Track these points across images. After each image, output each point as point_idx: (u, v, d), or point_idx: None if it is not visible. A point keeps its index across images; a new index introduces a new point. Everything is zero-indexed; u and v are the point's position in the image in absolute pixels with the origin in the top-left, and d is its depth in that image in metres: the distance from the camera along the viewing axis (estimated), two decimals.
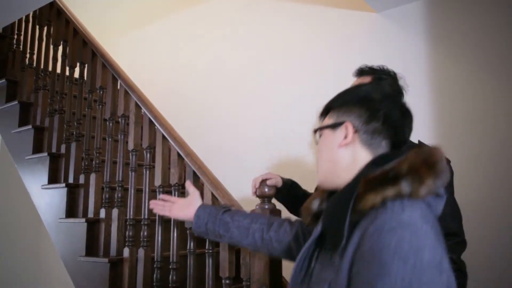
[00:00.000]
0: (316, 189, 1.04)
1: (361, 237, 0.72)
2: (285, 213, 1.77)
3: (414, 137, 1.54)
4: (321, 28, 2.73)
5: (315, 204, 0.98)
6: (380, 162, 0.82)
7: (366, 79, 1.55)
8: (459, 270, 1.39)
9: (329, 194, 0.95)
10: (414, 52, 2.30)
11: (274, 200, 1.72)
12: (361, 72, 1.61)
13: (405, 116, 0.89)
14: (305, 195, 1.77)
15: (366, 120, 0.87)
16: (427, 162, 0.76)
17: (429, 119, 2.24)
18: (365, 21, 2.52)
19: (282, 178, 1.75)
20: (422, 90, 2.27)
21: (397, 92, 0.92)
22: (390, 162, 0.80)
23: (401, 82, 1.56)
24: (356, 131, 0.87)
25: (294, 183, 1.80)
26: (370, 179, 0.77)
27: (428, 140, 1.54)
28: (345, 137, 0.87)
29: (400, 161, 0.78)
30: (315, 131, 0.95)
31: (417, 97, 2.26)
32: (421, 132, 1.57)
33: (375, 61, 1.57)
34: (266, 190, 1.64)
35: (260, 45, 3.02)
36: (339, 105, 0.91)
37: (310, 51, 2.75)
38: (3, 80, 3.01)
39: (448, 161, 1.50)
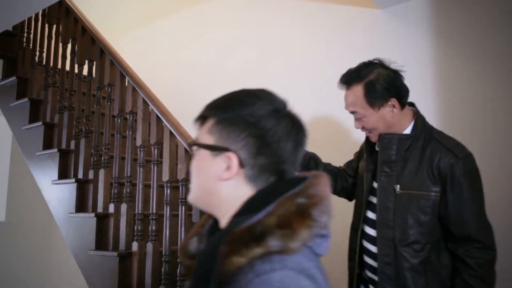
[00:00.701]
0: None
1: None
2: None
3: None
4: (324, 25, 2.71)
5: (192, 245, 0.84)
6: (255, 206, 0.72)
7: (358, 89, 1.43)
8: (478, 278, 1.32)
9: (210, 229, 0.83)
10: (418, 49, 2.29)
11: None
12: (348, 81, 1.47)
13: (296, 147, 0.76)
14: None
15: (254, 154, 0.73)
16: (300, 210, 0.67)
17: (432, 116, 2.24)
18: (369, 18, 2.51)
19: None
20: (425, 88, 2.26)
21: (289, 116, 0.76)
22: (266, 205, 0.70)
23: (393, 66, 1.46)
24: (241, 165, 0.73)
25: (312, 158, 1.73)
26: (234, 238, 0.67)
27: None
28: (227, 168, 0.74)
29: (269, 213, 0.68)
30: (190, 145, 0.82)
31: (420, 94, 2.26)
32: None
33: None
34: None
35: (262, 43, 3.01)
36: (223, 121, 0.76)
37: (312, 49, 2.74)
38: (14, 78, 3.06)
39: (469, 155, 1.39)
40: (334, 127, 2.52)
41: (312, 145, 2.11)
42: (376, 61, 1.47)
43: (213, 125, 0.77)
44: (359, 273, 1.57)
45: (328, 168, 1.76)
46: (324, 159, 2.09)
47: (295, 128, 0.76)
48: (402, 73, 1.46)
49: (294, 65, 2.80)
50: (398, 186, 1.41)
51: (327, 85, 2.58)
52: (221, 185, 0.75)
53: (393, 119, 1.44)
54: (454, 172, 1.35)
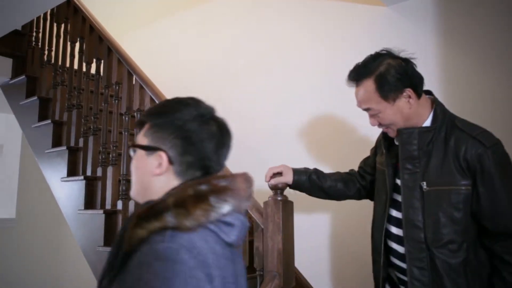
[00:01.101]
0: None
1: (127, 270, 0.74)
2: (297, 206, 1.80)
3: None
4: (324, 24, 2.68)
5: None
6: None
7: (369, 84, 1.36)
8: None
9: None
10: (422, 47, 2.27)
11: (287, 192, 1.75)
12: (357, 77, 1.39)
13: (220, 147, 0.89)
14: (331, 184, 1.67)
15: (180, 153, 0.86)
16: (197, 195, 0.79)
17: None
18: (372, 15, 2.49)
19: (298, 173, 1.65)
20: (429, 86, 2.24)
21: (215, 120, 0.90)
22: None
23: (402, 55, 1.37)
24: (171, 162, 0.86)
25: (313, 173, 1.67)
26: (140, 214, 0.78)
27: None
28: (159, 165, 0.87)
29: (170, 194, 0.81)
30: (129, 147, 0.95)
31: None
32: None
33: None
34: (279, 185, 1.66)
35: (262, 42, 2.98)
36: (155, 125, 0.89)
37: (313, 48, 2.71)
38: (23, 77, 3.10)
39: (497, 143, 1.29)
40: (334, 126, 2.51)
41: (312, 145, 2.10)
42: (384, 52, 1.38)
43: (148, 129, 0.90)
44: (385, 275, 1.48)
45: (334, 178, 1.69)
46: (324, 158, 2.08)
47: (219, 130, 0.89)
48: (413, 61, 1.37)
49: (294, 64, 2.78)
50: (424, 183, 1.31)
51: (328, 84, 2.58)
52: (155, 180, 0.88)
53: (410, 111, 1.35)
54: (483, 163, 1.25)
